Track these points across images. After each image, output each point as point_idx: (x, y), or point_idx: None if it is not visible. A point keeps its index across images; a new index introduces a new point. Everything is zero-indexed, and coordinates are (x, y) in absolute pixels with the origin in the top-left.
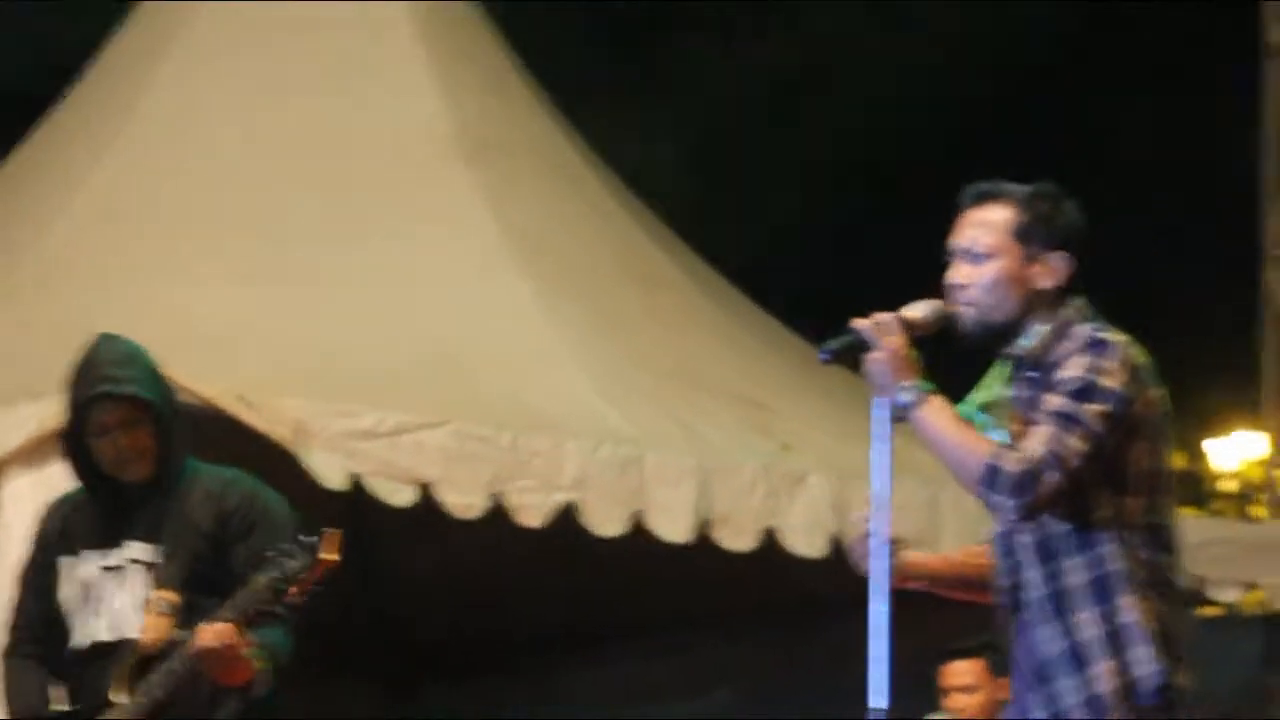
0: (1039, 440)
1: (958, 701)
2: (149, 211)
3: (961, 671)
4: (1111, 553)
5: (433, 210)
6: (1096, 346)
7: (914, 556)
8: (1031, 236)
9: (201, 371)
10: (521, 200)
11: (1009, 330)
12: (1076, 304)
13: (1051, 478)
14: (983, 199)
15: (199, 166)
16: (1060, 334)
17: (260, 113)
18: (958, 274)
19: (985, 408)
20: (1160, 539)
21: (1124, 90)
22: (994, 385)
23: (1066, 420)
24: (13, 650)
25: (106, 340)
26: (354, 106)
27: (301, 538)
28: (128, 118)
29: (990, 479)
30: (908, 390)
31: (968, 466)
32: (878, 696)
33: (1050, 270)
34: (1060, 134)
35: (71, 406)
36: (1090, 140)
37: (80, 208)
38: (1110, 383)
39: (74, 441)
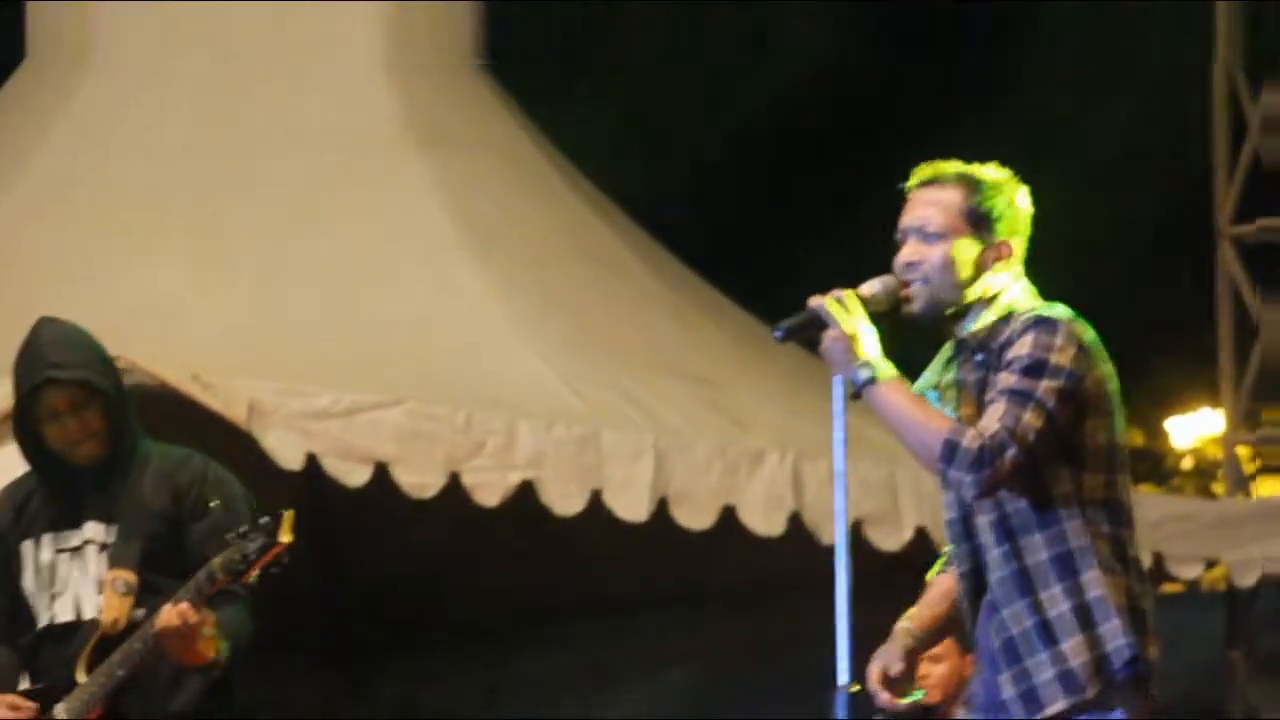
0: (994, 417)
1: (924, 668)
2: (96, 197)
3: None
4: (1074, 529)
5: (385, 198)
6: (1043, 324)
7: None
8: (981, 219)
9: (155, 353)
10: (474, 186)
11: (956, 312)
12: (1023, 285)
13: (1009, 453)
14: (932, 180)
15: (147, 152)
16: (1005, 317)
17: (210, 100)
18: (910, 253)
19: (935, 389)
20: (1119, 514)
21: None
22: (940, 367)
23: (1020, 397)
24: None
25: (49, 324)
26: (306, 95)
27: (259, 519)
28: (68, 103)
29: (949, 455)
30: (864, 368)
31: (926, 443)
32: (843, 674)
33: (998, 253)
34: (1006, 111)
35: (18, 392)
36: (1040, 122)
37: (22, 193)
38: (1060, 359)
39: (24, 426)
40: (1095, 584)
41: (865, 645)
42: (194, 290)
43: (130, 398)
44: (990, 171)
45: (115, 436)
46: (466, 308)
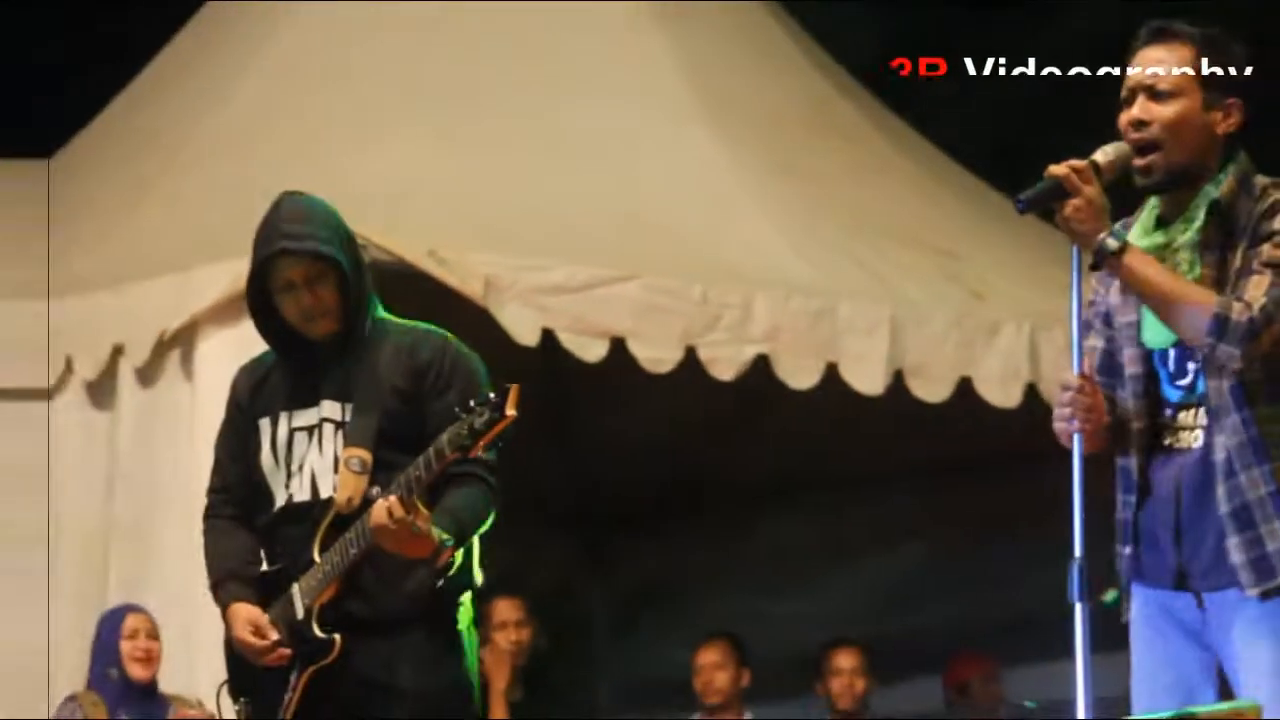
0: (1260, 289)
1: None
2: (337, 74)
3: None
4: None
5: (622, 71)
6: None
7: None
8: (1212, 80)
9: (391, 228)
10: (710, 58)
11: (1189, 174)
12: (1243, 155)
13: (1276, 326)
14: (1160, 37)
15: (388, 30)
16: (1243, 183)
17: None
18: (1140, 111)
19: (1152, 253)
20: None
21: None
22: (1147, 229)
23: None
24: (212, 512)
25: (289, 198)
26: None
27: (488, 395)
28: None
29: (1219, 329)
30: (1111, 237)
31: (1191, 315)
32: (1079, 547)
33: (1227, 116)
34: None
35: (254, 264)
36: None
37: (267, 70)
38: None
39: (259, 299)
40: None
41: (1100, 517)
42: (430, 165)
43: (369, 272)
44: (1217, 30)
45: (351, 312)
46: (704, 177)
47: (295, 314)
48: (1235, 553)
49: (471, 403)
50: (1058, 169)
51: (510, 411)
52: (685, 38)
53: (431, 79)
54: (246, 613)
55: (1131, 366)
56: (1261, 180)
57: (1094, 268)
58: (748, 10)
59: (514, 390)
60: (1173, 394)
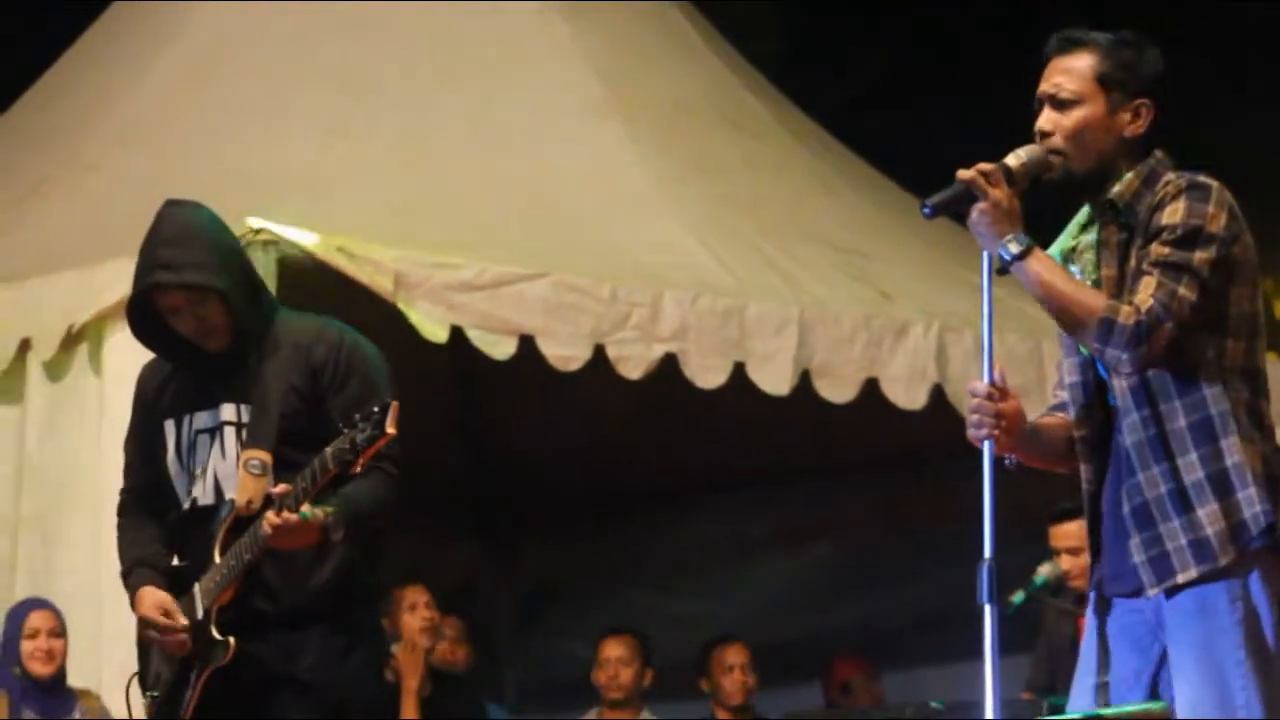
0: (1148, 291)
1: (1065, 563)
2: (242, 69)
3: (1068, 534)
4: (1214, 395)
5: (532, 65)
6: (1196, 190)
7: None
8: (1115, 83)
9: (298, 223)
10: (619, 53)
11: (1095, 178)
12: (1158, 154)
13: (1165, 328)
14: (1067, 46)
15: (292, 24)
16: (1147, 180)
17: None
18: (1043, 121)
19: (1067, 255)
20: (1258, 381)
21: None
22: (1075, 231)
23: (1175, 269)
24: (125, 510)
25: (169, 214)
26: None
27: (373, 410)
28: None
29: (1105, 333)
30: (1013, 241)
31: (1080, 319)
32: (988, 548)
33: (1134, 118)
34: None
35: (134, 291)
36: None
37: (171, 66)
38: (1213, 227)
39: (147, 319)
40: (1234, 450)
41: (1009, 519)
42: (339, 159)
43: (256, 279)
44: (1123, 35)
45: (240, 325)
46: (613, 174)
47: (186, 333)
48: (1136, 553)
49: (356, 416)
50: (966, 173)
51: (390, 429)
52: (593, 31)
53: (340, 72)
54: (155, 596)
55: (1071, 376)
56: (1167, 175)
57: (999, 272)
58: (656, 5)
59: (394, 407)
60: (1111, 399)
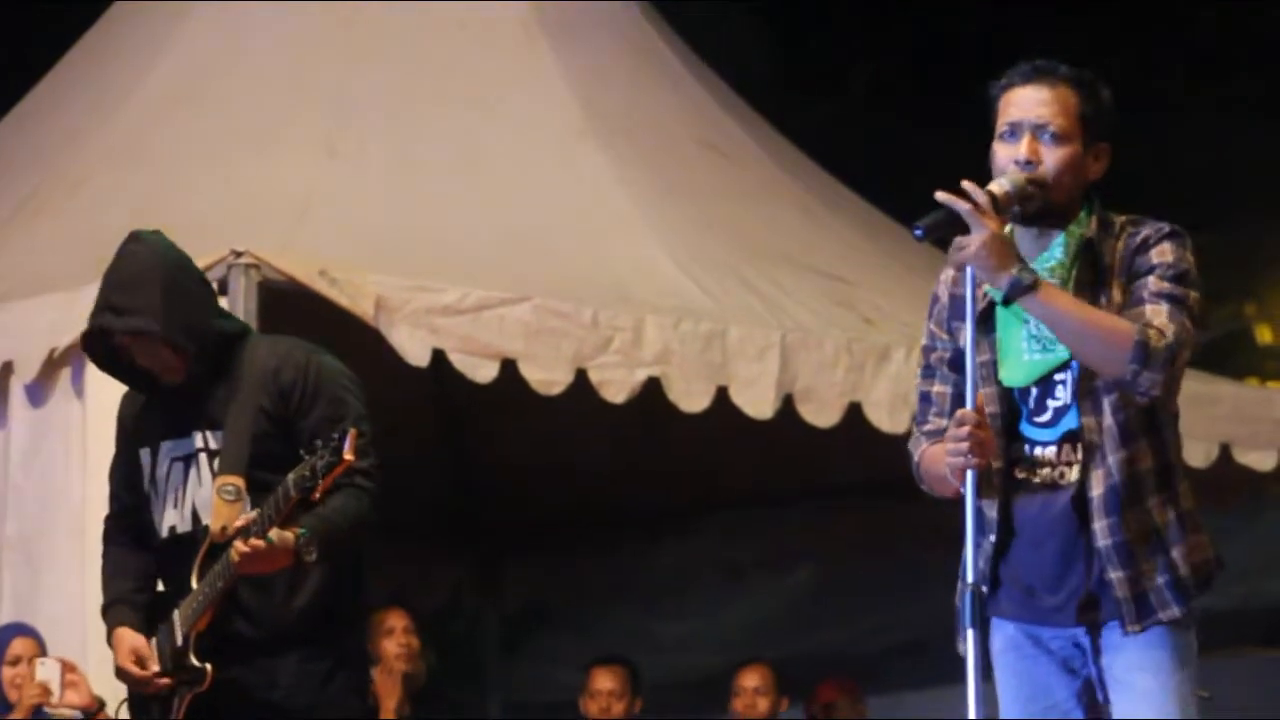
0: (1165, 317)
1: None
2: (227, 91)
3: None
4: (1169, 440)
5: (512, 88)
6: (1177, 236)
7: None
8: (1091, 124)
9: (280, 247)
10: (601, 77)
11: (1058, 214)
12: (1094, 195)
13: (1184, 354)
14: (1041, 77)
15: (276, 45)
16: (1103, 223)
17: None
18: (1031, 151)
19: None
20: (1178, 434)
21: None
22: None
23: (1180, 304)
24: (109, 538)
25: (127, 250)
26: None
27: (333, 436)
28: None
29: (1143, 356)
30: (1024, 271)
31: (1112, 344)
32: (970, 572)
33: (1095, 160)
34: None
35: (88, 328)
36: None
37: (157, 87)
38: (1195, 272)
39: (106, 350)
40: (1186, 496)
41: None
42: (321, 182)
43: (210, 313)
44: (1091, 74)
45: (196, 360)
46: (595, 198)
47: (148, 368)
48: (1119, 588)
49: (318, 442)
50: (956, 201)
51: (348, 456)
52: (576, 57)
53: (323, 94)
54: (130, 641)
55: (990, 406)
56: (1117, 218)
57: (1005, 302)
58: (638, 29)
59: (352, 435)
60: (1033, 432)
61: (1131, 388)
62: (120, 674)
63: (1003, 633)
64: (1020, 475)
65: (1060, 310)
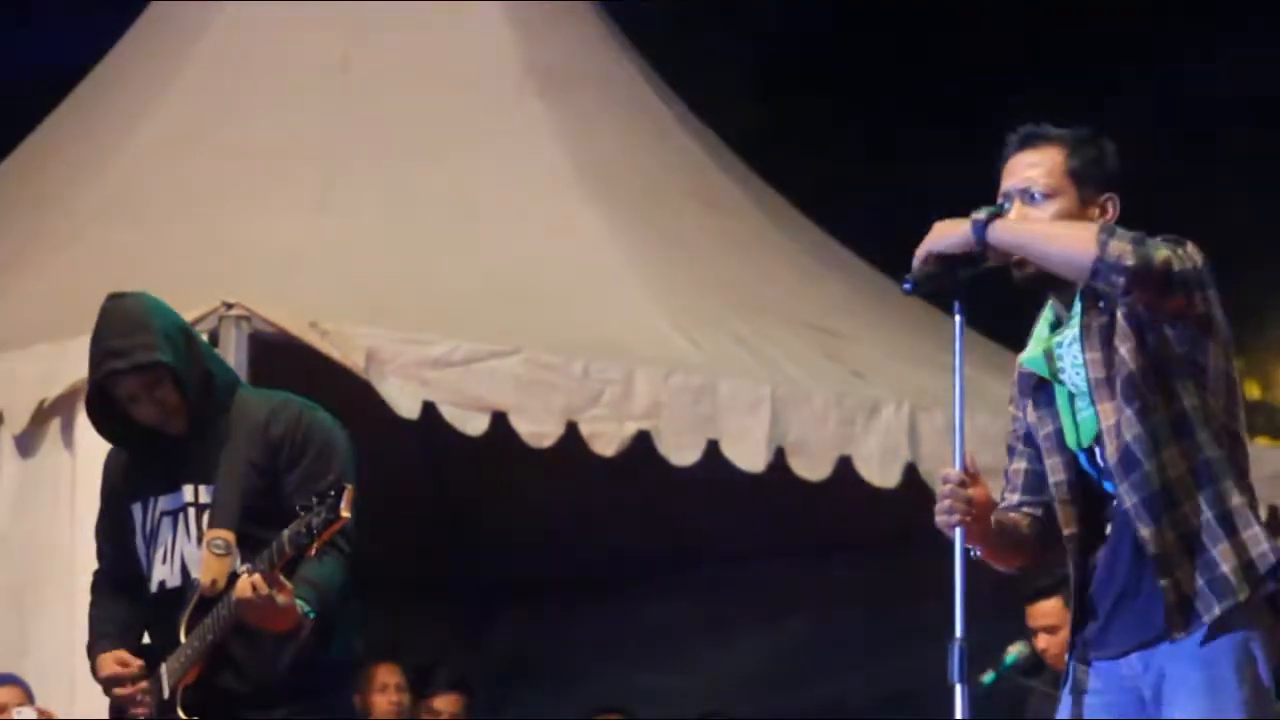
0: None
1: (1042, 641)
2: (212, 142)
3: (1045, 612)
4: (1206, 439)
5: (503, 140)
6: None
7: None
8: (1086, 177)
9: (271, 298)
10: (590, 130)
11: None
12: None
13: (1169, 259)
14: (1030, 142)
15: (266, 97)
16: None
17: (335, 43)
18: (1018, 215)
19: (1049, 355)
20: (1240, 445)
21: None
22: (1044, 336)
23: (1174, 239)
24: (97, 589)
25: (111, 306)
26: (428, 36)
27: (326, 493)
28: (188, 50)
29: (1108, 230)
30: (978, 213)
31: (1076, 242)
32: (960, 627)
33: (1102, 212)
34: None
35: (90, 386)
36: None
37: (141, 142)
38: (1196, 257)
39: (105, 410)
40: (1232, 493)
41: (980, 598)
42: (314, 235)
43: (206, 358)
44: (1079, 130)
45: (196, 403)
46: (583, 251)
47: (147, 420)
48: (1165, 595)
49: (313, 499)
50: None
51: (345, 513)
52: (567, 110)
53: (314, 147)
54: (113, 654)
55: (1056, 475)
56: None
57: (979, 248)
58: (627, 80)
59: (349, 491)
60: (1108, 486)
61: (1105, 275)
62: (107, 686)
63: (1094, 682)
64: (1103, 535)
65: (1018, 234)
